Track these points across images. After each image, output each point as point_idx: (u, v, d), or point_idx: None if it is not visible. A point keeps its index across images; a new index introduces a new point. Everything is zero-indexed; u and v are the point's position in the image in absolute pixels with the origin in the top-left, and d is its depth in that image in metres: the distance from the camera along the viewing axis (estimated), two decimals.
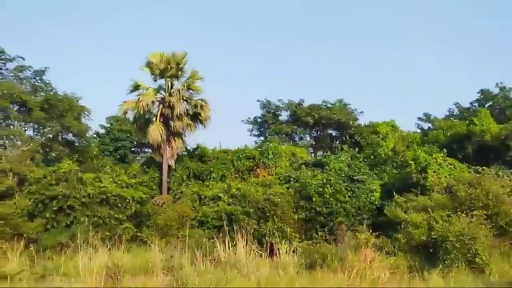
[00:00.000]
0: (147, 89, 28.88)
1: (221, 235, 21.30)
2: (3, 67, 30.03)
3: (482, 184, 20.88)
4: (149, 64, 28.86)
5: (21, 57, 30.46)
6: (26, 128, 31.31)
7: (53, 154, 32.05)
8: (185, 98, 29.16)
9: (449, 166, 25.87)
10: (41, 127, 31.52)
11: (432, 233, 18.76)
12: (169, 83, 29.05)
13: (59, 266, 17.61)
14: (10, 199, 25.33)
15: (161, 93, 29.24)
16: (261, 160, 30.70)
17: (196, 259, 18.45)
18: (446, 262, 18.22)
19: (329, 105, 43.51)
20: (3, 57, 29.74)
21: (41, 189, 24.22)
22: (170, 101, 28.01)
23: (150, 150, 34.14)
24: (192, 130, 29.35)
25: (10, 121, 29.74)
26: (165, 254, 18.92)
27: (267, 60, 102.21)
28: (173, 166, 29.38)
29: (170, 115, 28.20)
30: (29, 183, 25.39)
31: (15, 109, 29.67)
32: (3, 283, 15.97)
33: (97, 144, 41.90)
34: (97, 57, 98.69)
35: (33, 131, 32.07)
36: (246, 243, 19.66)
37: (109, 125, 44.95)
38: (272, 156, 30.95)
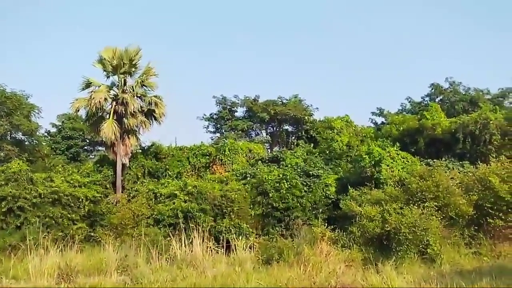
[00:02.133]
0: (100, 86, 28.23)
1: (177, 233, 21.18)
2: None
3: (433, 176, 21.58)
4: (101, 61, 28.18)
5: None
6: None
7: (2, 154, 31.23)
8: (139, 95, 28.73)
9: (402, 159, 26.52)
10: None
11: (386, 226, 19.19)
12: (122, 80, 28.49)
13: (8, 269, 17.07)
14: None
15: (114, 90, 28.67)
16: (217, 156, 30.69)
17: (152, 257, 18.30)
18: (399, 253, 18.70)
19: (284, 101, 43.92)
20: None
21: None
22: (123, 98, 27.47)
23: (104, 148, 33.59)
24: (146, 127, 28.86)
25: None
26: (120, 253, 18.58)
27: (222, 55, 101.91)
28: (128, 164, 28.94)
29: (123, 112, 27.69)
30: None
31: None
32: None
33: (48, 143, 40.90)
34: (46, 53, 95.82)
35: None
36: (203, 240, 19.62)
37: (60, 123, 43.89)
38: (228, 152, 30.97)
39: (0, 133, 30.80)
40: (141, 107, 28.63)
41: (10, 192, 23.11)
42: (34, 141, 34.20)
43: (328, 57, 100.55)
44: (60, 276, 15.73)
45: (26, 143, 33.54)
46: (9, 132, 31.94)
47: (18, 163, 25.23)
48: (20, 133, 32.52)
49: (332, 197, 25.64)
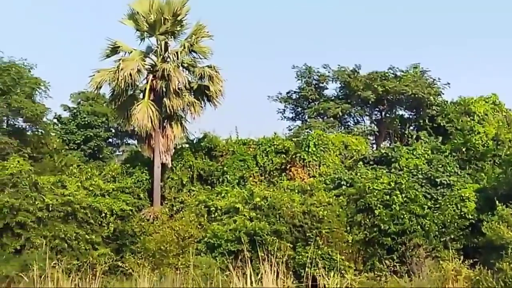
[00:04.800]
0: (131, 52, 29.09)
1: (239, 264, 21.46)
2: None
3: None
4: (133, 16, 28.95)
5: None
6: None
7: None
8: (186, 64, 29.31)
9: None
10: None
11: None
12: (163, 43, 29.10)
13: None
14: None
15: (151, 58, 29.44)
16: (298, 155, 30.72)
17: None
18: None
19: (398, 74, 43.05)
20: None
21: None
22: (164, 69, 28.05)
23: (135, 142, 34.42)
24: (196, 112, 29.38)
25: None
26: None
27: (305, 9, 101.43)
28: (169, 165, 29.52)
29: (164, 89, 28.33)
30: None
31: None
32: None
33: (58, 133, 42.24)
34: (57, 4, 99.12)
35: None
36: (277, 276, 19.75)
37: (75, 106, 45.19)
38: (314, 149, 30.89)
39: None
40: (189, 82, 29.20)
41: (7, 201, 24.05)
42: (40, 130, 35.09)
43: (465, 9, 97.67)
44: None
45: (29, 133, 34.50)
46: (5, 118, 33.05)
47: (18, 162, 26.22)
48: (21, 119, 33.44)
49: (470, 217, 25.23)
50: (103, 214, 25.37)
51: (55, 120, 43.59)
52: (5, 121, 33.21)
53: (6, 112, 31.76)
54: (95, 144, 42.81)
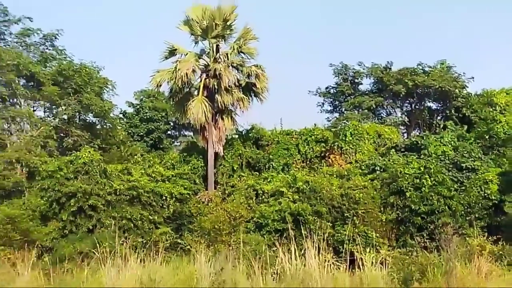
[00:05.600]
0: (186, 54, 29.24)
1: (284, 241, 21.43)
2: (6, 31, 30.90)
3: None
4: (188, 22, 29.15)
5: (29, 18, 31.20)
6: (35, 108, 32.24)
7: (70, 140, 32.84)
8: (235, 64, 29.38)
9: None
10: (54, 106, 32.32)
11: None
12: (214, 46, 29.28)
13: (80, 282, 18.16)
14: (19, 197, 26.41)
15: (204, 59, 29.56)
16: (336, 143, 30.60)
17: (254, 272, 18.63)
18: None
19: (427, 69, 42.61)
20: (7, 18, 30.48)
21: (56, 184, 24.87)
22: (215, 68, 28.20)
23: (191, 133, 34.66)
24: (245, 106, 29.49)
25: (16, 99, 30.68)
26: (214, 266, 19.15)
27: (341, 12, 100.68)
28: (221, 153, 29.67)
29: (216, 87, 28.48)
30: (41, 177, 26.26)
31: (21, 83, 30.52)
32: None
33: (124, 126, 42.79)
34: (121, 15, 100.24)
35: (44, 111, 32.97)
36: (318, 251, 19.65)
37: (138, 102, 45.74)
38: (350, 138, 30.76)
39: (67, 114, 32.41)
40: (237, 80, 29.32)
41: (81, 187, 24.44)
42: (108, 124, 35.63)
43: (487, 9, 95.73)
44: None
45: (98, 126, 35.06)
46: (78, 114, 33.55)
47: (89, 152, 26.58)
48: (91, 114, 34.02)
49: (493, 198, 24.98)
50: (164, 198, 25.57)
51: (121, 115, 44.15)
52: (78, 116, 33.73)
53: (78, 109, 32.23)
54: (156, 136, 43.17)
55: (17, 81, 29.84)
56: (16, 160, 27.71)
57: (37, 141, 29.33)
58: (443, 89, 40.67)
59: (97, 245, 20.38)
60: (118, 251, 19.38)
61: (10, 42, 31.00)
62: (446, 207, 24.15)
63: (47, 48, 32.51)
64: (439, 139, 30.71)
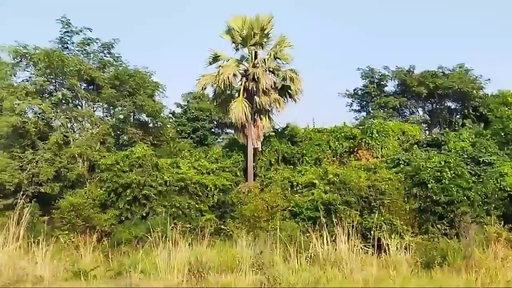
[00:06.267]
0: (228, 60, 29.42)
1: (317, 228, 21.47)
2: (69, 41, 31.40)
3: None
4: (229, 31, 29.32)
5: (88, 29, 31.69)
6: (95, 109, 32.69)
7: (125, 137, 33.40)
8: (271, 69, 29.45)
9: None
10: (111, 107, 32.75)
11: None
12: (253, 52, 29.33)
13: (136, 262, 18.44)
14: (81, 188, 26.95)
15: (244, 65, 29.66)
16: (363, 140, 30.44)
17: (290, 255, 18.73)
18: None
19: (446, 72, 42.15)
20: (69, 29, 31.02)
21: (113, 176, 25.43)
22: (254, 73, 28.33)
23: (233, 131, 34.83)
24: (280, 106, 29.56)
25: (78, 101, 31.24)
26: (254, 249, 19.30)
27: (367, 19, 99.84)
28: (260, 149, 29.87)
29: (254, 89, 28.60)
30: (100, 170, 26.80)
31: (83, 87, 31.05)
32: (77, 280, 17.06)
33: (173, 125, 43.19)
34: (169, 25, 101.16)
35: (103, 112, 33.39)
36: (348, 237, 19.66)
37: (185, 103, 46.19)
38: (377, 135, 30.58)
39: (123, 114, 32.85)
40: (274, 83, 29.39)
41: (135, 179, 24.93)
42: (159, 123, 35.85)
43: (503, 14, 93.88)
44: (191, 272, 16.66)
45: (150, 125, 35.28)
46: (132, 114, 33.93)
47: (143, 148, 27.06)
48: (144, 114, 34.28)
49: (508, 189, 24.60)
50: (209, 188, 25.76)
51: (170, 115, 44.32)
52: (132, 116, 34.02)
53: (133, 109, 32.54)
54: (201, 133, 43.43)
55: (79, 85, 30.25)
56: (79, 155, 28.19)
57: (97, 138, 29.76)
58: (462, 90, 40.21)
59: (150, 230, 20.63)
60: (168, 235, 19.62)
61: (72, 50, 31.36)
62: (465, 197, 23.90)
63: (105, 56, 32.76)
64: (458, 136, 30.40)
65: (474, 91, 40.68)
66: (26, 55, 29.11)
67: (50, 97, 29.87)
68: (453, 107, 43.65)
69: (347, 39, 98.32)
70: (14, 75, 30.34)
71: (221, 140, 45.92)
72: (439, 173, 24.45)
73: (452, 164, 24.85)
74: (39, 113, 29.39)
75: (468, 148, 28.24)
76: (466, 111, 41.23)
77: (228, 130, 45.74)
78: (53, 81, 30.36)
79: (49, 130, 29.12)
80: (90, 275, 17.06)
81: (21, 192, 25.60)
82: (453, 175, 24.36)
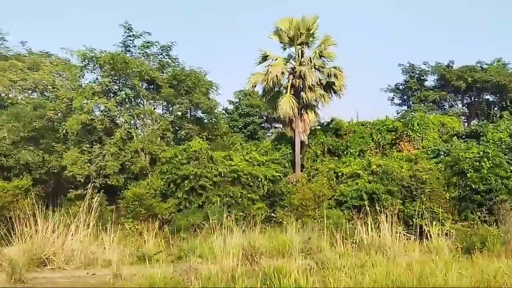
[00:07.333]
0: (276, 59, 29.41)
1: (361, 216, 21.26)
2: (131, 44, 31.89)
3: None
4: (277, 32, 29.31)
5: (148, 33, 32.12)
6: (155, 106, 33.17)
7: (183, 132, 33.66)
8: (317, 66, 29.32)
9: None
10: (170, 105, 33.14)
11: None
12: (300, 51, 29.27)
13: (194, 248, 18.64)
14: (144, 179, 27.40)
15: (291, 63, 29.64)
16: (404, 132, 29.96)
17: (336, 241, 18.60)
18: None
19: (484, 66, 41.18)
20: (131, 33, 31.53)
21: (173, 168, 25.70)
22: (300, 70, 28.28)
23: (281, 125, 34.81)
24: (325, 102, 29.43)
25: (140, 99, 31.72)
26: (302, 236, 19.26)
27: (408, 17, 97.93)
28: (306, 142, 29.81)
29: (301, 86, 28.57)
30: (160, 162, 27.25)
31: (143, 87, 31.52)
32: (142, 263, 17.38)
33: (226, 120, 43.51)
34: (222, 28, 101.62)
35: (162, 109, 33.84)
36: (391, 224, 19.39)
37: (237, 100, 46.45)
38: (417, 127, 30.08)
39: (181, 111, 33.22)
40: (319, 79, 29.24)
41: (192, 171, 25.11)
42: (213, 119, 36.13)
43: None
44: (244, 256, 16.74)
45: (205, 121, 35.59)
46: (189, 110, 34.28)
47: (199, 142, 27.26)
48: (200, 111, 34.60)
49: None
50: (259, 179, 25.76)
51: (223, 111, 44.88)
52: (189, 113, 34.36)
53: (189, 106, 32.80)
54: (252, 128, 43.56)
55: (140, 85, 30.63)
56: (141, 149, 28.63)
57: (157, 133, 30.16)
58: (499, 83, 39.33)
59: (207, 218, 20.81)
60: (223, 223, 19.74)
61: (134, 53, 31.82)
62: (503, 186, 23.35)
63: (163, 57, 33.17)
64: (496, 127, 29.69)
65: None
66: (93, 58, 29.66)
67: (115, 96, 30.36)
68: (491, 99, 42.93)
69: (389, 35, 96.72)
70: (83, 77, 31.19)
71: (270, 134, 45.95)
72: (477, 163, 23.94)
73: (490, 154, 24.25)
74: (105, 111, 29.95)
75: (506, 139, 27.47)
76: (503, 103, 40.56)
77: (276, 125, 45.71)
78: (117, 81, 30.84)
79: (114, 126, 29.66)
80: (153, 259, 17.27)
81: (90, 184, 26.18)
82: (491, 164, 23.80)
